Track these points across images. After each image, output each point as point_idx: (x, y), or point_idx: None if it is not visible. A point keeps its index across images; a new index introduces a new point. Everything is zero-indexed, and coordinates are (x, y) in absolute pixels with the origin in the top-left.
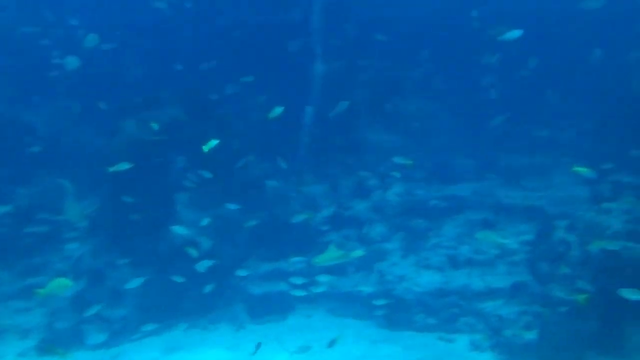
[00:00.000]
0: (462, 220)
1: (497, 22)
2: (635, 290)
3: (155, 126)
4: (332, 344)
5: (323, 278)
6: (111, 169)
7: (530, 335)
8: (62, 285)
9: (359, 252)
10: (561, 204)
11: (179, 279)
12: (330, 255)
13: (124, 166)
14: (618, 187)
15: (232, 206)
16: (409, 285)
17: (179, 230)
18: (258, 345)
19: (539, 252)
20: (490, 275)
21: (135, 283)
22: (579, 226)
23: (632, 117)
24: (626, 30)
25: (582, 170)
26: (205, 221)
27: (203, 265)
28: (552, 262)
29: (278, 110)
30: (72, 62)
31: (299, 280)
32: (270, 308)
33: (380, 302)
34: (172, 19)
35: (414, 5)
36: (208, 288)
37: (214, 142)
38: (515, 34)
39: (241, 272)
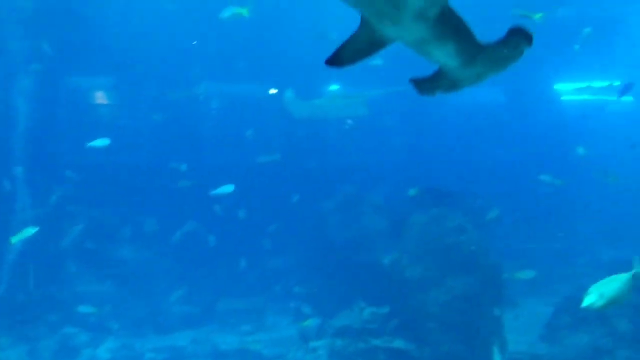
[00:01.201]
0: None
1: (207, 174)
2: None
3: None
4: None
5: None
6: None
7: None
8: None
9: None
10: (275, 345)
11: None
12: None
13: None
14: (323, 325)
15: None
16: None
17: None
18: None
19: None
20: None
21: None
22: None
23: (332, 260)
24: (319, 181)
25: (307, 323)
26: None
27: None
28: None
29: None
30: None
31: None
32: None
33: None
34: None
35: (123, 153)
36: None
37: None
38: (229, 188)
39: None
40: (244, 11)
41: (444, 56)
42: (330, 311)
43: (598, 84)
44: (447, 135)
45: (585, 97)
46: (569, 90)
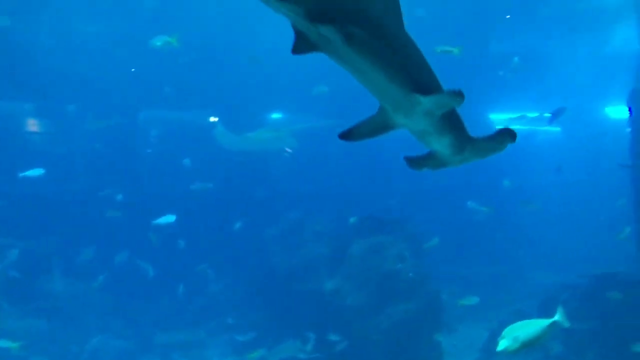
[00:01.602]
0: None
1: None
2: None
3: None
4: None
5: None
6: None
7: None
8: None
9: None
10: None
11: None
12: None
13: None
14: (266, 356)
15: None
16: None
17: None
18: None
19: None
20: None
21: None
22: None
23: (274, 288)
24: (263, 208)
25: (251, 355)
26: None
27: None
28: None
29: None
30: None
31: None
32: None
33: None
34: None
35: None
36: None
37: None
38: (170, 218)
39: None
40: (173, 40)
41: (440, 146)
42: (272, 341)
43: (531, 114)
44: (388, 162)
45: (518, 126)
46: (504, 119)
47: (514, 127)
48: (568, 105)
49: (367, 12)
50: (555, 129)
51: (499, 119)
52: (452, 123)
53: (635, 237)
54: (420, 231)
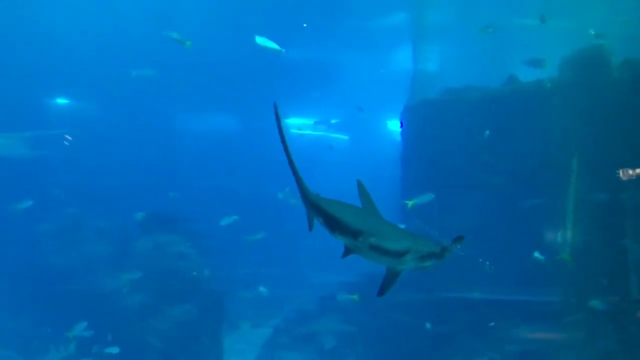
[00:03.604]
0: None
1: None
2: None
3: None
4: None
5: None
6: None
7: None
8: None
9: None
10: None
11: None
12: None
13: None
14: None
15: None
16: None
17: None
18: None
19: None
20: None
21: None
22: None
23: (46, 289)
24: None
25: None
26: None
27: None
28: None
29: None
30: None
31: None
32: None
33: None
34: None
35: None
36: None
37: None
38: None
39: None
40: None
41: (426, 266)
42: (38, 348)
43: (334, 120)
44: (177, 160)
45: (307, 132)
46: (303, 124)
47: (309, 132)
48: (357, 116)
49: (381, 231)
50: (343, 137)
51: (295, 123)
52: (429, 256)
53: None
54: (206, 229)
